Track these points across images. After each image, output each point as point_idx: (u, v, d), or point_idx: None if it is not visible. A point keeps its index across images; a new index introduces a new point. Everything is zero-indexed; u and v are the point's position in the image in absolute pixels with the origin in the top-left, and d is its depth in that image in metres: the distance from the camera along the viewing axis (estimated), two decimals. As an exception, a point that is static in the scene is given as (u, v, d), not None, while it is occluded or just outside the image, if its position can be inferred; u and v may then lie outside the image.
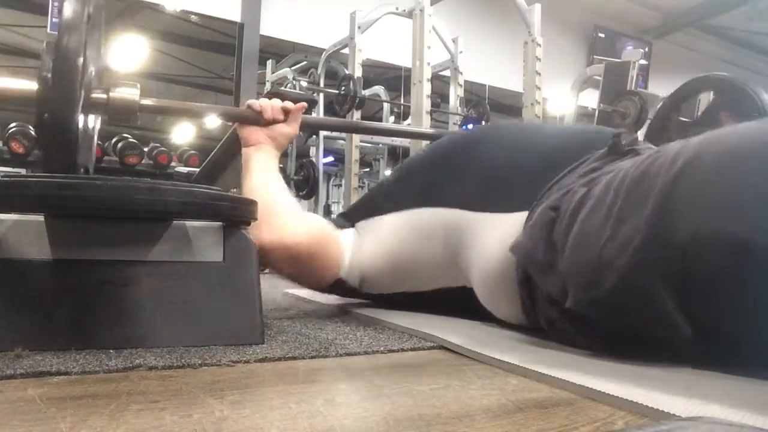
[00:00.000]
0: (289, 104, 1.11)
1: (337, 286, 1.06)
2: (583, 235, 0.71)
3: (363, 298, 1.13)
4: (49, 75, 0.77)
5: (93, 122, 1.15)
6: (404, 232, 1.03)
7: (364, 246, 1.07)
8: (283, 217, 0.98)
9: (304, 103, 1.12)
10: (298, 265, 1.01)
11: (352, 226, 1.12)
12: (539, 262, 0.76)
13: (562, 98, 4.26)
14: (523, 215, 0.85)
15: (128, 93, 0.95)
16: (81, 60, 0.74)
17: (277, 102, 1.10)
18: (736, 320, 0.60)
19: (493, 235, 0.89)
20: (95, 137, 1.24)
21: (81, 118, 0.83)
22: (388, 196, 1.14)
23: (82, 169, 0.89)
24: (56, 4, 3.45)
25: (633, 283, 0.64)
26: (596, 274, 0.67)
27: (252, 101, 1.11)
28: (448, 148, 1.12)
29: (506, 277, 0.85)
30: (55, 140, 0.76)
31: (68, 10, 0.74)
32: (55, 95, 0.75)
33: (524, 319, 0.86)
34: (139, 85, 0.98)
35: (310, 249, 0.99)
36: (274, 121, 1.09)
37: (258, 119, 1.09)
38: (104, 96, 0.93)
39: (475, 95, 4.98)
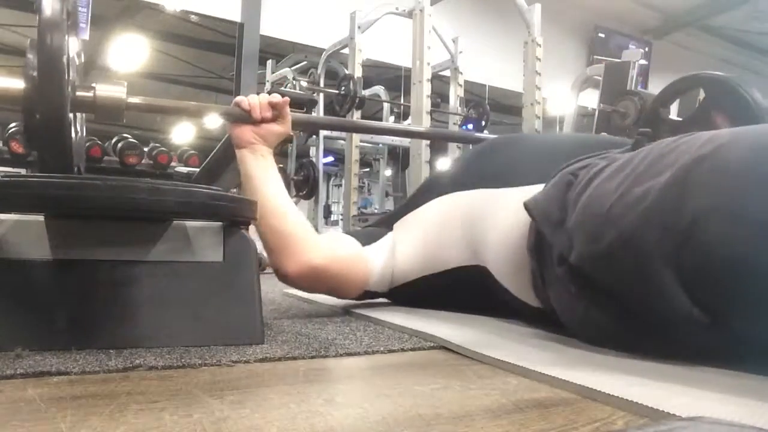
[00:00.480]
0: (276, 97, 1.10)
1: (364, 296, 1.09)
2: (596, 195, 0.72)
3: (387, 297, 1.15)
4: (35, 73, 0.76)
5: (80, 121, 1.14)
6: (431, 217, 1.09)
7: (398, 245, 1.10)
8: (302, 243, 0.98)
9: (287, 98, 1.12)
10: (321, 286, 1.04)
11: (390, 229, 1.15)
12: (552, 219, 0.77)
13: (562, 98, 4.26)
14: (539, 187, 0.87)
15: (115, 91, 0.94)
16: (65, 57, 0.74)
17: (264, 97, 1.10)
18: (747, 302, 0.59)
19: (509, 206, 0.92)
20: (83, 136, 1.23)
21: (70, 117, 0.82)
22: (423, 193, 1.18)
23: (75, 168, 0.89)
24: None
25: (632, 243, 0.64)
26: (600, 228, 0.68)
27: (240, 98, 1.09)
28: (481, 147, 1.19)
29: (519, 243, 0.87)
30: (49, 140, 0.76)
31: (47, 8, 0.73)
32: (45, 94, 0.74)
33: (533, 296, 0.86)
34: (126, 83, 0.97)
35: (331, 272, 1.01)
36: (263, 120, 1.08)
37: (248, 118, 1.08)
38: (91, 94, 0.92)
39: (475, 95, 4.98)
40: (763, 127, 0.67)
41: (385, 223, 1.20)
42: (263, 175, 1.04)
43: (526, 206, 0.81)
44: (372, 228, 1.24)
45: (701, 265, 0.60)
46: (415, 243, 1.08)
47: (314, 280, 1.00)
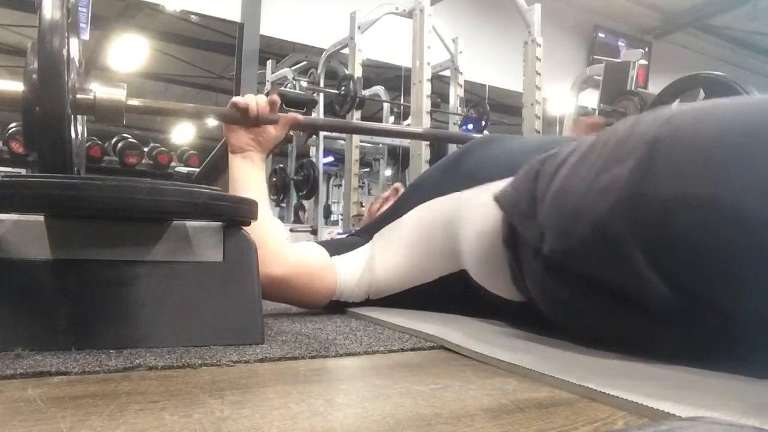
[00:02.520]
0: (274, 98, 1.11)
1: (334, 306, 1.07)
2: (564, 185, 0.71)
3: (366, 305, 1.13)
4: (35, 76, 0.76)
5: (80, 123, 1.15)
6: (411, 227, 1.07)
7: (378, 257, 1.08)
8: (265, 253, 0.93)
9: (278, 98, 1.12)
10: (284, 297, 1.03)
11: (370, 238, 1.13)
12: (522, 211, 0.77)
13: (562, 98, 4.26)
14: (509, 180, 0.87)
15: (115, 93, 0.95)
16: (66, 60, 0.74)
17: (261, 98, 1.10)
18: (718, 287, 0.59)
19: (481, 204, 0.92)
20: (84, 138, 1.24)
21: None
22: (405, 202, 1.16)
23: (75, 170, 0.89)
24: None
25: (605, 234, 0.64)
26: (571, 222, 0.67)
27: (236, 99, 1.10)
28: (459, 149, 1.16)
29: (494, 240, 0.86)
30: (48, 143, 0.76)
31: (47, 9, 0.73)
32: (44, 97, 0.74)
33: (514, 290, 0.86)
34: (125, 86, 0.98)
35: (293, 284, 0.99)
36: (258, 119, 1.07)
37: (245, 119, 1.08)
38: (91, 97, 0.93)
39: (475, 95, 4.98)
40: (719, 106, 0.66)
41: (367, 231, 1.17)
42: (247, 181, 1.06)
43: (496, 199, 0.82)
44: (350, 236, 1.23)
45: (676, 254, 0.60)
46: (396, 256, 1.06)
47: (276, 290, 0.98)
